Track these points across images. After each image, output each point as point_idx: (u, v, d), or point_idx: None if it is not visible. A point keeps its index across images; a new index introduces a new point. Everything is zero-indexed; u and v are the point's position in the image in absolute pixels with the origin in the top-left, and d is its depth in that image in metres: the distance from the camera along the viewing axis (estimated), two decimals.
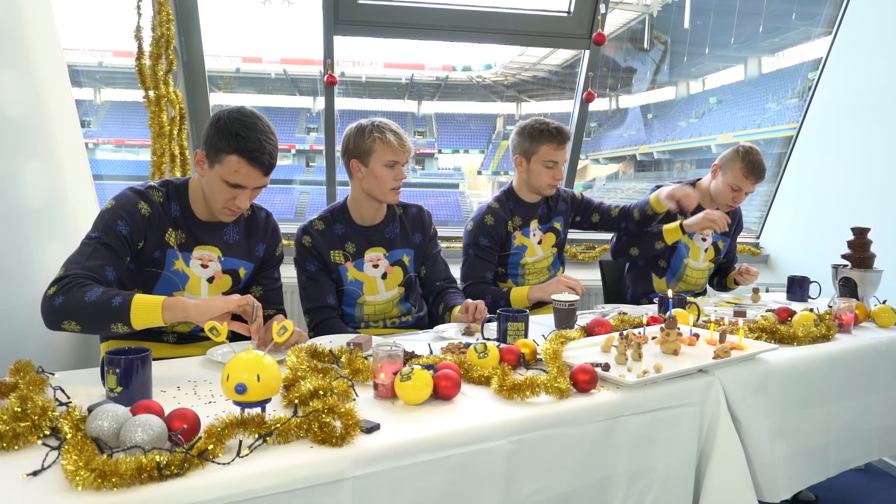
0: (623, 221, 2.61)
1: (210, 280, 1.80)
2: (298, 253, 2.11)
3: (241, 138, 1.61)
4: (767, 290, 2.89)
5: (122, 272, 1.63)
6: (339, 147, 2.20)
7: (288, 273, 2.06)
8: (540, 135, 2.37)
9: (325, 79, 3.05)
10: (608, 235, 3.75)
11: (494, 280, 2.48)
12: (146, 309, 1.44)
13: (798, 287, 2.53)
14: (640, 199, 2.58)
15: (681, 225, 2.53)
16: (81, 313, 1.44)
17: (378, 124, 2.05)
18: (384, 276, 2.15)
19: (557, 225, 2.57)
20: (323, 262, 2.10)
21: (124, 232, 1.63)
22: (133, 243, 1.66)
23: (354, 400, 1.23)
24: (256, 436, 1.05)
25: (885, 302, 2.16)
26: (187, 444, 0.98)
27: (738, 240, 3.83)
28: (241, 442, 1.04)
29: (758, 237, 3.91)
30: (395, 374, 1.29)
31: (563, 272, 2.68)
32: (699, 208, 2.60)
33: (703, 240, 2.72)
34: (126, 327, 1.45)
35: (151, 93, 2.65)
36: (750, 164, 2.51)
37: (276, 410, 1.16)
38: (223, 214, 1.75)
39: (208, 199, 1.74)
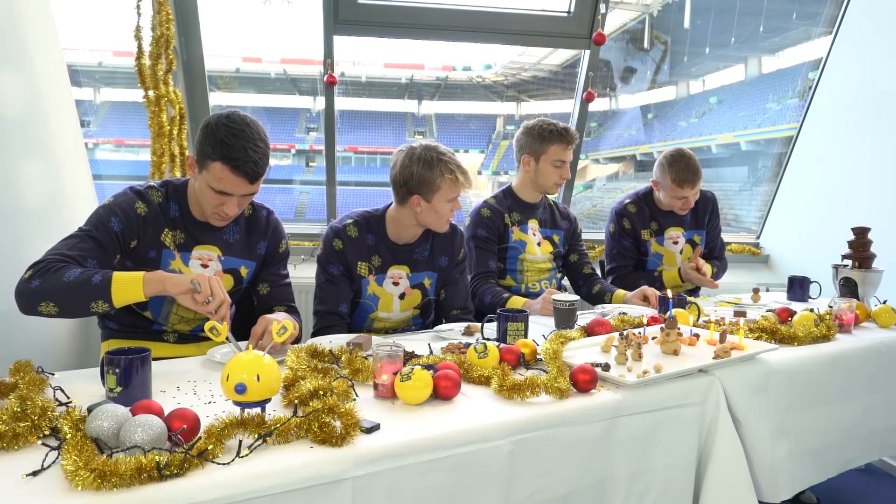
0: (582, 283, 2.63)
1: None
2: (325, 252, 2.06)
3: (226, 146, 1.59)
4: (768, 290, 2.88)
5: (106, 267, 1.61)
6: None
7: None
8: (550, 135, 2.40)
9: (325, 79, 3.05)
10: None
11: (498, 271, 2.49)
12: (127, 284, 1.45)
13: (798, 287, 2.52)
14: (609, 284, 2.58)
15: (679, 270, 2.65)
16: (60, 293, 1.44)
17: (445, 160, 1.96)
18: (402, 297, 2.10)
19: (556, 238, 2.59)
20: (347, 268, 2.05)
21: (116, 229, 1.63)
22: (125, 241, 1.66)
23: (354, 400, 1.22)
24: (256, 436, 1.05)
25: (885, 302, 2.16)
26: (187, 444, 0.98)
27: (739, 240, 3.84)
28: (240, 442, 1.03)
29: (758, 237, 3.91)
30: (395, 374, 1.29)
31: (562, 276, 2.70)
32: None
33: (675, 243, 2.71)
34: (106, 304, 1.45)
35: (151, 93, 2.65)
36: (677, 174, 2.51)
37: (276, 410, 1.16)
38: (213, 219, 1.75)
39: (200, 204, 1.74)
